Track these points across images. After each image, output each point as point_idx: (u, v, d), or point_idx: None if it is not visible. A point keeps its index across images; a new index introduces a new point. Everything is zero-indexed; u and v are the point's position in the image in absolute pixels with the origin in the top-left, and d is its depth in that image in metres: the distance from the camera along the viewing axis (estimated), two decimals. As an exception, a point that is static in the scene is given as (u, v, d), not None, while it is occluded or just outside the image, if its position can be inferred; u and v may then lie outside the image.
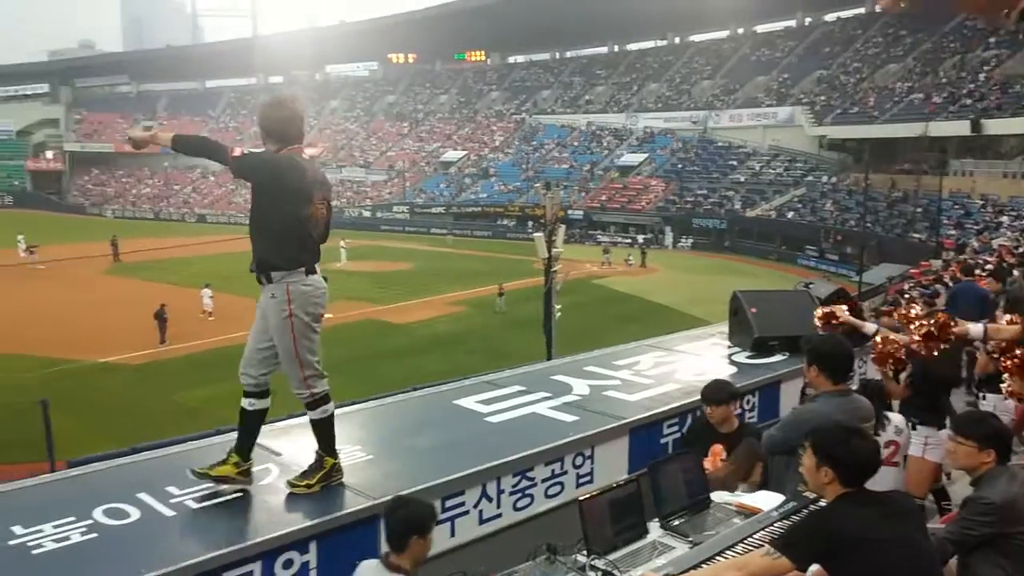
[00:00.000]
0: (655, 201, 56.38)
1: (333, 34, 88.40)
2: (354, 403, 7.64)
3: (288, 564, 3.25)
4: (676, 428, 5.19)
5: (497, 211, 60.44)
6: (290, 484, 3.70)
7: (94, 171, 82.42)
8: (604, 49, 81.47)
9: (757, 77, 63.79)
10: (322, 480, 3.72)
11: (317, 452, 3.83)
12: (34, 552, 3.06)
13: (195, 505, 3.51)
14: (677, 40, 76.90)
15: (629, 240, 51.46)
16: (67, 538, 3.17)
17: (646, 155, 62.96)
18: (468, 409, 5.14)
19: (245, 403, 3.77)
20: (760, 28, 70.27)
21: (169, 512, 3.43)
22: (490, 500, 4.03)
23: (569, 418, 4.89)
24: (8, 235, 42.59)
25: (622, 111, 70.01)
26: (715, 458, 4.45)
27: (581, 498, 3.22)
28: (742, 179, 55.00)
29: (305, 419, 5.45)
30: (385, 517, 3.15)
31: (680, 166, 59.42)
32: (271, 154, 3.65)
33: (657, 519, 3.44)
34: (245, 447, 3.71)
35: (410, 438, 4.64)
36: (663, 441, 5.11)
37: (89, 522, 3.30)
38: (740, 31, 71.43)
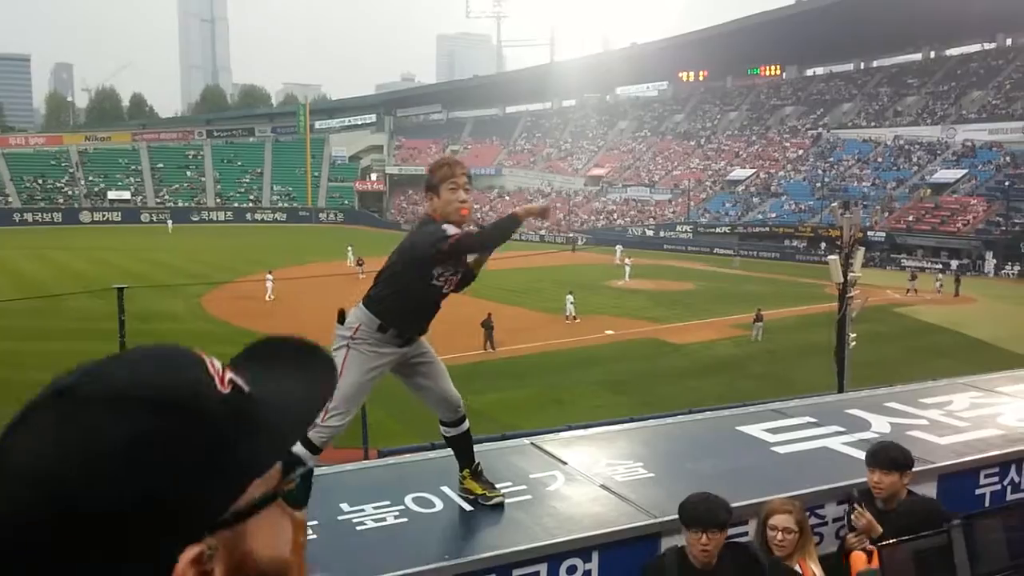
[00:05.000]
0: (974, 223, 50.32)
1: (624, 56, 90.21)
2: (633, 420, 7.74)
3: (572, 570, 3.39)
4: (995, 479, 4.60)
5: (786, 232, 57.64)
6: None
7: (409, 191, 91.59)
8: (918, 56, 74.59)
9: (1112, 79, 54.58)
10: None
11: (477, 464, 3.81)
12: (358, 528, 3.50)
13: (488, 503, 3.78)
14: (1009, 42, 68.18)
15: (940, 266, 46.36)
16: (384, 519, 3.58)
17: (964, 171, 56.50)
18: (753, 436, 4.98)
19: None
20: (1118, 22, 60.06)
21: (467, 507, 3.74)
22: (775, 534, 3.88)
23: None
24: (341, 247, 48.71)
25: (937, 123, 63.54)
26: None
27: (881, 544, 2.99)
28: (1089, 198, 47.30)
29: (586, 431, 5.65)
30: None
31: (1007, 183, 52.47)
32: None
33: (970, 578, 3.10)
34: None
35: (691, 461, 4.60)
36: (979, 492, 4.56)
37: (401, 507, 3.69)
38: (1091, 27, 61.66)
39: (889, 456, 3.69)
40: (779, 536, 3.26)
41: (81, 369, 0.70)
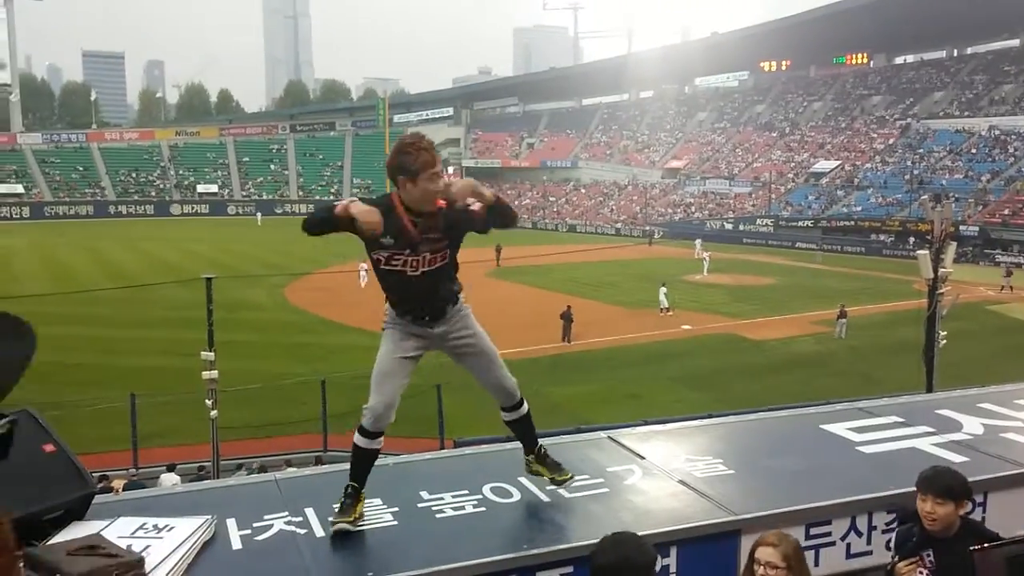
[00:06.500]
0: (1077, 216, 47.70)
1: (703, 46, 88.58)
2: (711, 416, 7.65)
3: (650, 564, 3.38)
4: (1099, 487, 4.38)
5: (872, 226, 55.70)
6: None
7: (485, 184, 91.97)
8: (1015, 42, 70.91)
9: None
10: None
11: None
12: (437, 516, 3.56)
13: (567, 495, 3.80)
14: (1117, 24, 64.28)
15: (1039, 262, 44.10)
16: (462, 507, 3.64)
17: (1066, 162, 53.55)
18: (837, 435, 4.86)
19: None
20: None
21: (545, 498, 3.76)
22: (859, 535, 3.78)
23: (957, 458, 4.39)
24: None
25: (1036, 112, 60.36)
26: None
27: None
28: None
29: (663, 426, 5.61)
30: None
31: (1114, 174, 49.56)
32: None
33: (1071, 589, 2.96)
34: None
35: (772, 458, 4.51)
36: (1080, 499, 4.35)
37: (479, 497, 3.74)
38: None
39: (945, 483, 3.26)
40: (761, 571, 2.95)
41: None
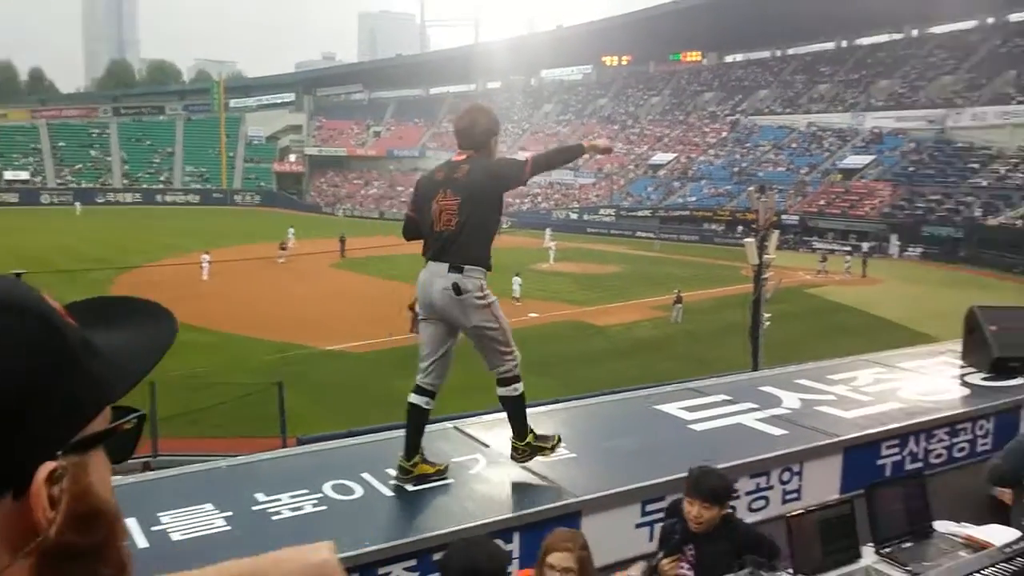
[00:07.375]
0: (880, 206, 52.47)
1: (549, 39, 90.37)
2: (556, 401, 7.82)
3: (493, 551, 3.40)
4: (896, 450, 4.84)
5: (705, 215, 58.94)
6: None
7: (329, 173, 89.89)
8: (831, 45, 76.97)
9: (1008, 71, 57.40)
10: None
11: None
12: (273, 518, 3.42)
13: (411, 488, 3.76)
14: (915, 33, 71.05)
15: (848, 248, 48.19)
16: (301, 508, 3.52)
17: (872, 157, 58.78)
18: (670, 415, 5.09)
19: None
20: (1015, 17, 62.86)
21: (388, 492, 3.70)
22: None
23: (777, 431, 4.71)
24: (265, 229, 47.57)
25: (847, 110, 65.85)
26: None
27: (789, 514, 3.10)
28: (984, 183, 49.78)
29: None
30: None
31: (911, 169, 54.90)
32: None
33: (872, 544, 3.24)
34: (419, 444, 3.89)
35: (611, 440, 4.67)
36: (880, 463, 4.78)
37: (320, 495, 3.63)
38: (991, 21, 64.59)
39: (710, 487, 3.27)
40: (555, 575, 2.85)
41: None
